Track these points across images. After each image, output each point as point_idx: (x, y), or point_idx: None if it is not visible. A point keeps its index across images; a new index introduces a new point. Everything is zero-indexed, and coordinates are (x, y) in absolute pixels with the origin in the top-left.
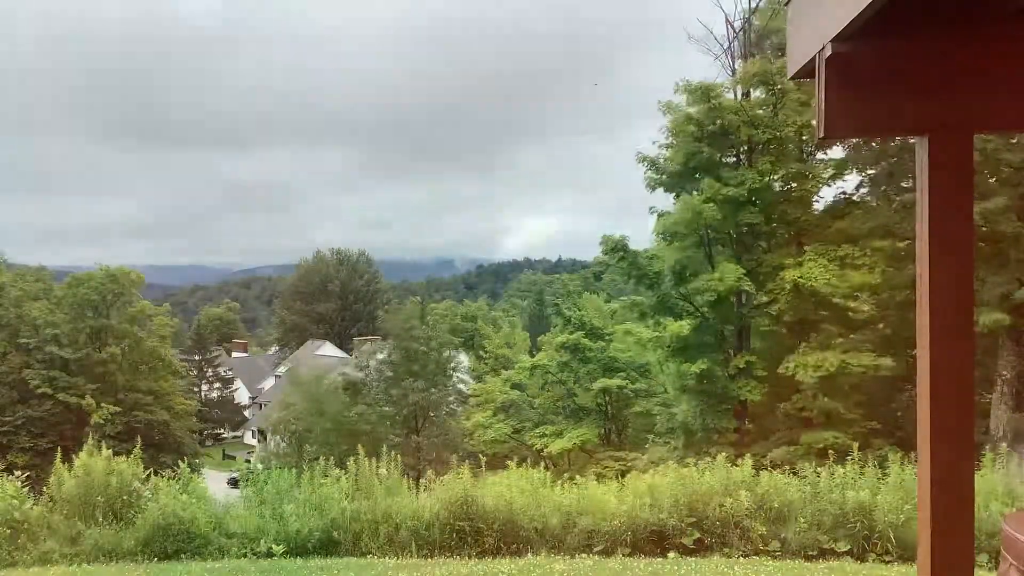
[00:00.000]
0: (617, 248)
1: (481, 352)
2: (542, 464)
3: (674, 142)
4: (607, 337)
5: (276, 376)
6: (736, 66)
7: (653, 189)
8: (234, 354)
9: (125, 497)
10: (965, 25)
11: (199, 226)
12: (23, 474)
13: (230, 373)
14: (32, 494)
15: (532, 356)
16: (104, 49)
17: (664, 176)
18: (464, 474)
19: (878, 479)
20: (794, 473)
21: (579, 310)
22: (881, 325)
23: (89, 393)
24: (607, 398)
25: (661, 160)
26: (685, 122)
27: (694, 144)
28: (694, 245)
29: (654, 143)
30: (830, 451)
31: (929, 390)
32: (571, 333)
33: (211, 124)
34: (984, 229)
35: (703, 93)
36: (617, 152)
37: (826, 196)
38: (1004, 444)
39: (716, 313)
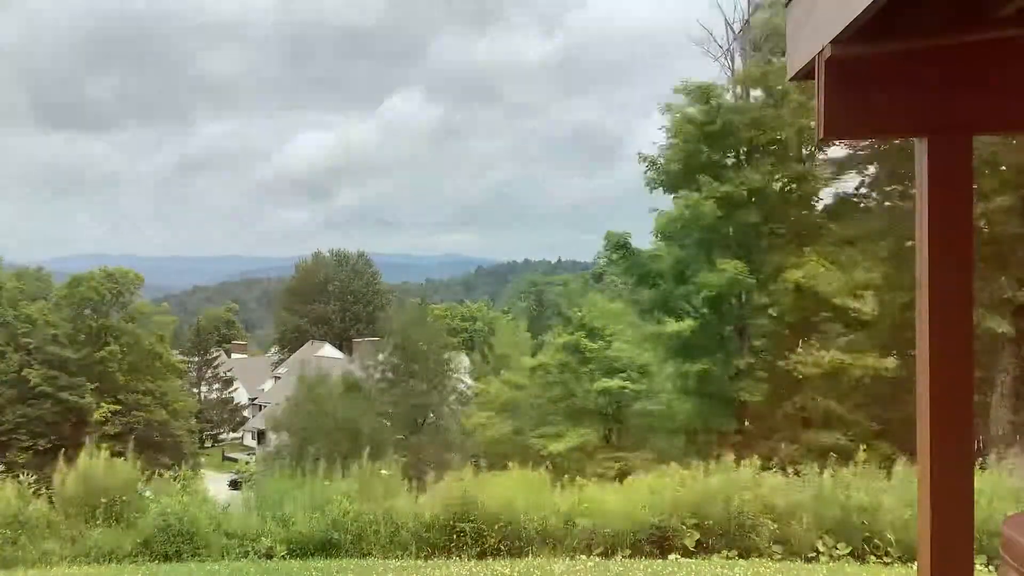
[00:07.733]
0: (619, 245)
1: (484, 351)
2: (542, 465)
3: (674, 142)
4: (608, 337)
5: (275, 377)
6: (736, 67)
7: (653, 189)
8: (233, 355)
9: (125, 498)
10: (964, 26)
11: None
12: (23, 473)
13: (229, 374)
14: (32, 494)
15: (532, 357)
16: None
17: (664, 176)
18: (465, 475)
19: (879, 480)
20: (796, 474)
21: (580, 310)
22: (882, 325)
23: (89, 393)
24: (607, 398)
25: (661, 160)
26: (685, 122)
27: (694, 144)
28: (694, 245)
29: (654, 143)
30: (831, 452)
31: (929, 390)
32: (571, 334)
33: None
34: (984, 231)
35: (703, 93)
36: None
37: (826, 196)
38: (1004, 444)
39: (716, 313)
